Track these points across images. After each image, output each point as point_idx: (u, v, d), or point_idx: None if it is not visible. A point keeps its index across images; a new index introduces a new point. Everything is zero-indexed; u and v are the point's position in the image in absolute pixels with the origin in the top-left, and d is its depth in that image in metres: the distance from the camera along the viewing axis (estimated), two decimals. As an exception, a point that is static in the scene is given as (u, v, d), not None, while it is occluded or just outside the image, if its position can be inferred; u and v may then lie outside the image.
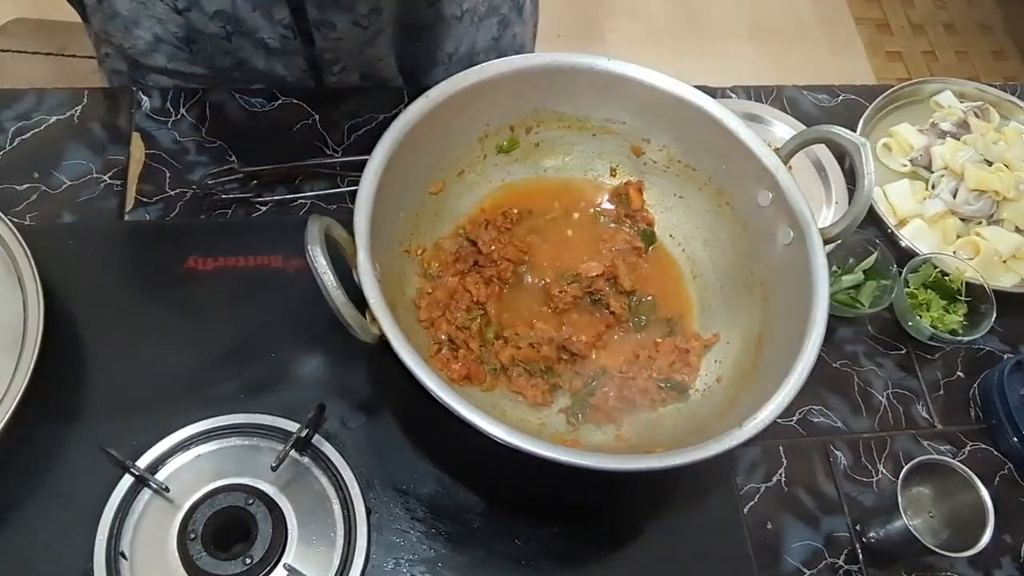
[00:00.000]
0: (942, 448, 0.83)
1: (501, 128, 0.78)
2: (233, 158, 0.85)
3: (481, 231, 0.76)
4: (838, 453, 0.81)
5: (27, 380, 0.66)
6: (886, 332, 0.88)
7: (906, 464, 0.72)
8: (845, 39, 2.48)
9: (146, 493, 0.67)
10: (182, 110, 0.87)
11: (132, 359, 0.74)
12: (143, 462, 0.68)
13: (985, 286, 0.86)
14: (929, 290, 0.89)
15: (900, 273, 0.86)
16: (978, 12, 2.64)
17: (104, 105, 0.87)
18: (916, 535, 0.69)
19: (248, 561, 0.63)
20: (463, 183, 0.78)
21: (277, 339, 0.76)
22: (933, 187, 0.98)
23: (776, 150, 0.73)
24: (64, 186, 0.82)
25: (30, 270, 0.71)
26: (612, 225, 0.81)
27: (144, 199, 0.82)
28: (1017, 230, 0.95)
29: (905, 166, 0.99)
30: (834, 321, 0.85)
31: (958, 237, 0.95)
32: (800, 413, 0.82)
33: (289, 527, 0.67)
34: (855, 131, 0.93)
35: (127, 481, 0.67)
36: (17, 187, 0.81)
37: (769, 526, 0.76)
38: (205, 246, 0.80)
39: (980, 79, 1.11)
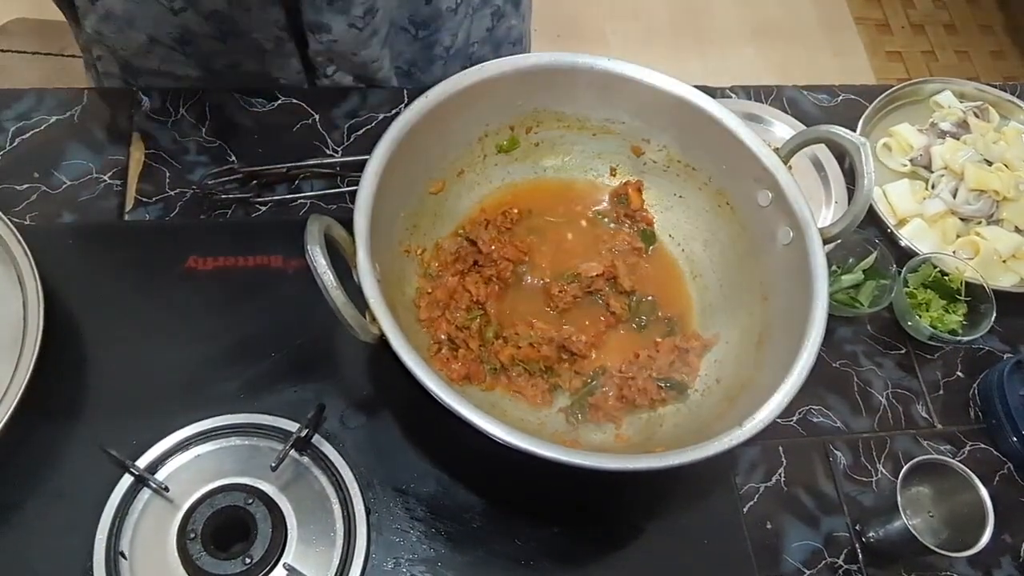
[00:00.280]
0: (942, 448, 0.83)
1: (501, 128, 0.78)
2: (233, 158, 0.85)
3: (481, 231, 0.76)
4: (838, 453, 0.81)
5: (27, 380, 0.66)
6: (886, 332, 0.88)
7: (906, 464, 0.72)
8: (845, 39, 2.48)
9: (146, 493, 0.67)
10: (182, 110, 0.87)
11: (132, 359, 0.74)
12: (143, 462, 0.68)
13: (985, 286, 0.86)
14: (929, 290, 0.89)
15: (900, 273, 0.86)
16: (978, 12, 2.64)
17: (104, 105, 0.87)
18: (916, 535, 0.69)
19: (248, 561, 0.63)
20: (463, 183, 0.78)
21: (277, 339, 0.76)
22: (933, 187, 0.98)
23: (776, 150, 0.73)
24: (64, 186, 0.82)
25: (30, 270, 0.71)
26: (612, 225, 0.81)
27: (144, 199, 0.82)
28: (1017, 230, 0.95)
29: (905, 166, 0.99)
30: (834, 321, 0.85)
31: (958, 237, 0.95)
32: (800, 413, 0.82)
33: (289, 527, 0.67)
34: (855, 131, 0.92)
35: (127, 481, 0.67)
36: (17, 187, 0.81)
37: (769, 526, 0.76)
38: (205, 246, 0.80)
39: (980, 79, 1.11)
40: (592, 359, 0.74)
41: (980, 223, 0.95)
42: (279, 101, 0.89)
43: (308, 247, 0.57)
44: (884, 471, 0.80)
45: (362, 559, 0.67)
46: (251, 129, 0.87)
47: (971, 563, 0.77)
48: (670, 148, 0.79)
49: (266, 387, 0.74)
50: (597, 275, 0.76)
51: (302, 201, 0.84)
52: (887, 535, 0.73)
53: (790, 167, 0.72)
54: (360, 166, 0.66)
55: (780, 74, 2.28)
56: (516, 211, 0.79)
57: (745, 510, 0.76)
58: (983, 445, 0.84)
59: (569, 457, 0.57)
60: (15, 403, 0.65)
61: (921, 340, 0.87)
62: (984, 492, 0.71)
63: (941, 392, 0.86)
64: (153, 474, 0.68)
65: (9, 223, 0.73)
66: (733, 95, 1.00)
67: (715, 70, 2.31)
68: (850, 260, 0.88)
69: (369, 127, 0.89)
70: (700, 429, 0.67)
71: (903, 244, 0.92)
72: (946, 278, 0.89)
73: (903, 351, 0.88)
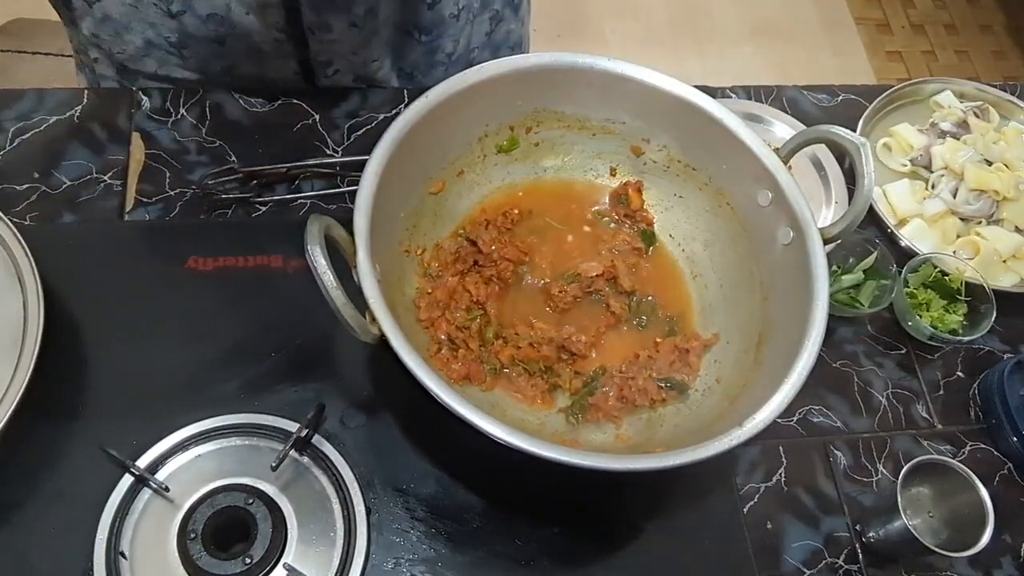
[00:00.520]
0: (942, 448, 0.83)
1: (501, 128, 0.78)
2: (233, 158, 0.85)
3: (481, 231, 0.76)
4: (838, 453, 0.81)
5: (27, 380, 0.66)
6: (886, 332, 0.88)
7: (906, 464, 0.72)
8: (845, 39, 2.48)
9: (146, 493, 0.67)
10: (182, 110, 0.87)
11: (132, 359, 0.74)
12: (143, 462, 0.68)
13: (985, 286, 0.86)
14: (929, 290, 0.89)
15: (900, 273, 0.86)
16: (978, 12, 2.64)
17: (104, 105, 0.87)
18: (916, 535, 0.69)
19: (248, 561, 0.63)
20: (463, 183, 0.78)
21: (277, 339, 0.76)
22: (933, 187, 0.98)
23: (776, 150, 0.73)
24: (64, 186, 0.82)
25: (30, 270, 0.71)
26: (612, 225, 0.81)
27: (144, 199, 0.82)
28: (1017, 230, 0.95)
29: (905, 166, 0.99)
30: (834, 321, 0.85)
31: (958, 237, 0.95)
32: (800, 413, 0.82)
33: (289, 527, 0.67)
34: (855, 131, 0.92)
35: (127, 481, 0.67)
36: (17, 187, 0.81)
37: (769, 526, 0.76)
38: (205, 246, 0.80)
39: (980, 79, 1.11)
40: (592, 359, 0.74)
41: (980, 223, 0.95)
42: (279, 101, 0.89)
43: (308, 247, 0.57)
44: (884, 471, 0.80)
45: (362, 559, 0.67)
46: (251, 129, 0.87)
47: (971, 563, 0.77)
48: (670, 148, 0.79)
49: (266, 387, 0.74)
50: (597, 275, 0.76)
51: (302, 201, 0.84)
52: (887, 535, 0.73)
53: (790, 167, 0.72)
54: (360, 166, 0.66)
55: (780, 74, 2.28)
56: (516, 211, 0.79)
57: (745, 510, 0.76)
58: (983, 445, 0.84)
59: (569, 457, 0.57)
60: (15, 403, 0.65)
61: (921, 340, 0.87)
62: (984, 492, 0.71)
63: (941, 392, 0.86)
64: (153, 474, 0.68)
65: (9, 223, 0.73)
66: (733, 95, 1.00)
67: (714, 70, 2.31)
68: (850, 260, 0.88)
69: (369, 127, 0.89)
70: (700, 429, 0.67)
71: (903, 244, 0.92)
72: (946, 278, 0.89)
73: (903, 351, 0.88)
